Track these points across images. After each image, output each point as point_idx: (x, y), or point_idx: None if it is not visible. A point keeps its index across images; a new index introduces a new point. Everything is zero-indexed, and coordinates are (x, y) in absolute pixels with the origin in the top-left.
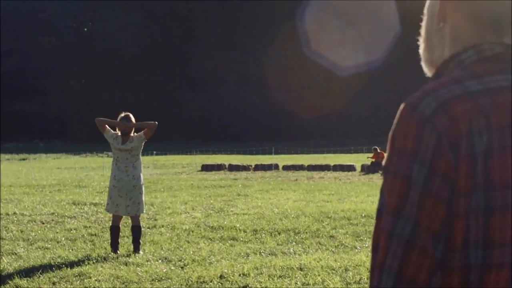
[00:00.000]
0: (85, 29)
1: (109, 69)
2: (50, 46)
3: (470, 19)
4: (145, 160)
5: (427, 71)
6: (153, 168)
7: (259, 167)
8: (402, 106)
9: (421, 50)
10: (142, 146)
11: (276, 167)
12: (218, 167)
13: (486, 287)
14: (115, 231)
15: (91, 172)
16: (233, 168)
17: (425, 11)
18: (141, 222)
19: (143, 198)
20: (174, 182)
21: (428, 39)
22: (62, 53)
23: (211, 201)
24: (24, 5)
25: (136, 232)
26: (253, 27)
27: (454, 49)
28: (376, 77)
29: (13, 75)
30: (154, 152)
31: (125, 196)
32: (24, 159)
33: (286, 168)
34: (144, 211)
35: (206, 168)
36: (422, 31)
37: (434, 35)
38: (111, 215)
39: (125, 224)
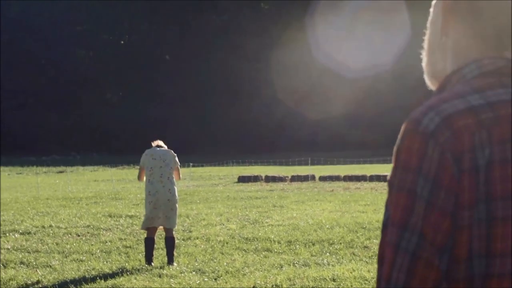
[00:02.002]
0: (122, 42)
1: (145, 82)
2: (87, 59)
3: (472, 34)
4: (181, 172)
5: (430, 84)
6: (190, 180)
7: (295, 178)
8: (406, 121)
9: (424, 64)
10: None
11: (312, 178)
12: (255, 179)
13: None
14: (149, 243)
15: (128, 184)
16: (269, 179)
17: (428, 24)
18: (176, 234)
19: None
20: (210, 194)
21: (431, 52)
22: (99, 66)
23: (247, 213)
24: (61, 19)
25: (170, 243)
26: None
27: (456, 63)
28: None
29: (50, 88)
30: (191, 164)
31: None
32: (61, 172)
33: (323, 178)
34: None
35: (242, 179)
36: (425, 44)
37: (436, 49)
38: None
39: (160, 236)
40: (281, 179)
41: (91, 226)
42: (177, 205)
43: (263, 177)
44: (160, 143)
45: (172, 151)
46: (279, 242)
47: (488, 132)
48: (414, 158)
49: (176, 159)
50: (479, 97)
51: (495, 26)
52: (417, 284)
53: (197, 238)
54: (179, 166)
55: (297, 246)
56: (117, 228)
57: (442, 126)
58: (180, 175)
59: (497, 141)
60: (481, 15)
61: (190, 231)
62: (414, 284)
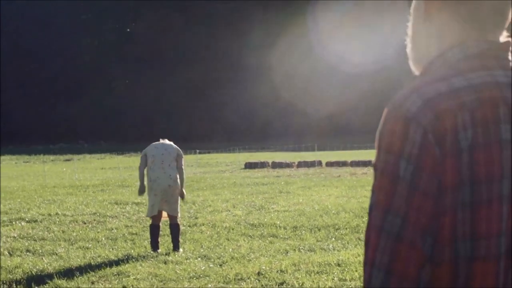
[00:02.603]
0: (128, 30)
1: (151, 69)
2: (93, 48)
3: (455, 18)
4: (188, 158)
5: (415, 70)
6: (197, 167)
7: (302, 164)
8: (388, 104)
9: (408, 50)
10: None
11: (319, 163)
12: (262, 165)
13: (473, 279)
14: (154, 229)
15: (135, 171)
16: (276, 165)
17: (411, 11)
18: (182, 220)
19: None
20: (217, 181)
21: (415, 38)
22: (104, 54)
23: (253, 199)
24: (67, 7)
25: (175, 230)
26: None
27: (440, 47)
28: None
29: (57, 77)
30: (197, 150)
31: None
32: (68, 160)
33: (330, 164)
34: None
35: (249, 166)
36: (409, 30)
37: (420, 35)
38: None
39: (166, 223)
40: (287, 165)
41: (98, 214)
42: (179, 192)
43: (270, 163)
44: (167, 141)
45: (177, 148)
46: (284, 228)
47: (470, 114)
48: (396, 141)
49: (180, 151)
50: (462, 80)
51: (478, 10)
52: (400, 267)
53: (203, 225)
54: (183, 157)
55: (303, 231)
56: (123, 215)
57: (424, 108)
58: (183, 168)
59: (480, 123)
60: (463, 0)
61: (196, 218)
62: (398, 267)
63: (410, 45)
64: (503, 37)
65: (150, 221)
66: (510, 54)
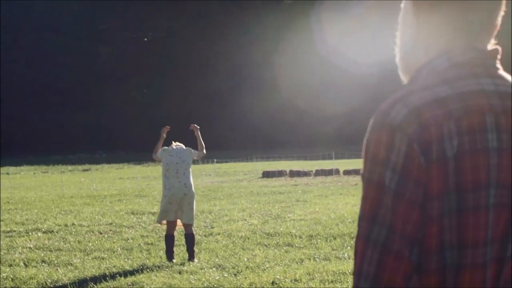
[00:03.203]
0: (145, 39)
1: (170, 78)
2: (111, 57)
3: (442, 27)
4: (206, 168)
5: (404, 79)
6: (215, 176)
7: (319, 173)
8: (374, 113)
9: (397, 59)
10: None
11: (337, 172)
12: (279, 174)
13: (460, 287)
14: (169, 239)
15: (153, 181)
16: (294, 174)
17: (399, 20)
18: (197, 230)
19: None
20: (234, 190)
21: (403, 47)
22: (123, 64)
23: (269, 208)
24: (85, 16)
25: (190, 240)
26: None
27: (427, 56)
28: None
29: (75, 86)
30: (215, 160)
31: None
32: (86, 170)
33: (347, 172)
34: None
35: (267, 174)
36: (397, 40)
37: (408, 43)
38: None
39: (182, 233)
40: (305, 174)
41: (114, 224)
42: (194, 200)
43: (288, 172)
44: (179, 143)
45: (189, 148)
46: (300, 237)
47: (456, 123)
48: (382, 150)
49: (192, 150)
50: (448, 88)
51: (465, 18)
52: (387, 277)
53: (219, 234)
54: (197, 151)
55: (318, 240)
56: (140, 225)
57: (409, 117)
58: (203, 151)
59: (466, 131)
60: (451, 8)
61: (212, 227)
62: (385, 277)
63: (399, 55)
64: (491, 45)
65: (165, 231)
66: (497, 62)
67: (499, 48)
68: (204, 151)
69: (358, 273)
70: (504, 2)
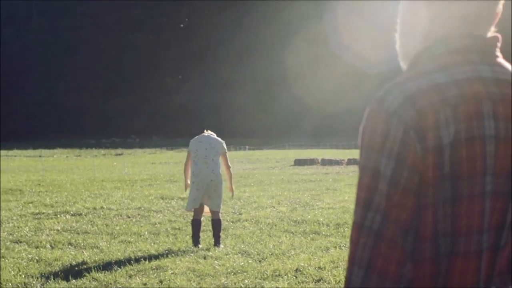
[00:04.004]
0: (181, 26)
1: (204, 66)
2: (146, 43)
3: (441, 14)
4: (238, 154)
5: (403, 66)
6: (247, 163)
7: (352, 161)
8: (371, 100)
9: (397, 46)
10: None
11: None
12: (311, 162)
13: (453, 275)
14: (196, 224)
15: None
16: (325, 162)
17: (400, 7)
18: (225, 216)
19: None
20: (265, 177)
21: (403, 35)
22: (158, 50)
23: (299, 195)
24: (119, 3)
25: (216, 226)
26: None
27: (426, 43)
28: None
29: (110, 72)
30: (247, 147)
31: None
32: (119, 155)
33: None
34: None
35: (298, 162)
36: (398, 27)
37: (408, 31)
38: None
39: (209, 218)
40: (337, 162)
41: (142, 208)
42: (221, 187)
43: (319, 160)
44: (211, 132)
45: (220, 139)
46: (327, 225)
47: (453, 109)
48: (378, 137)
49: (224, 145)
50: (445, 75)
51: (464, 5)
52: (380, 264)
53: (246, 220)
54: (226, 153)
55: (346, 229)
56: (168, 210)
57: (405, 104)
58: (229, 164)
59: (462, 118)
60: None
61: (240, 214)
62: (378, 264)
63: (399, 42)
64: (491, 33)
65: (193, 215)
66: (497, 49)
67: (499, 36)
68: (230, 167)
69: (352, 260)
70: None
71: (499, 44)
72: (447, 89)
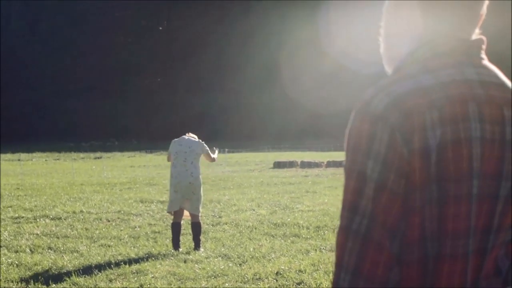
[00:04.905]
0: (160, 28)
1: (185, 69)
2: (126, 45)
3: (426, 16)
4: (218, 157)
5: (388, 69)
6: (226, 166)
7: (331, 164)
8: (357, 103)
9: (381, 50)
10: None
11: None
12: (290, 164)
13: (439, 278)
14: (175, 228)
15: (164, 170)
16: (305, 165)
17: (383, 10)
18: (205, 219)
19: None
20: (245, 179)
21: (388, 38)
22: (137, 52)
23: (278, 198)
24: (101, 5)
25: (196, 229)
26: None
27: (411, 45)
28: None
29: (88, 75)
30: (226, 150)
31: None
32: (98, 158)
33: None
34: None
35: (278, 165)
36: (382, 30)
37: (392, 34)
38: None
39: (188, 222)
40: (316, 165)
41: (122, 212)
42: (200, 190)
43: (299, 163)
44: (192, 135)
45: (200, 141)
46: (307, 228)
47: (439, 112)
48: (364, 139)
49: (204, 146)
50: (431, 77)
51: (449, 8)
52: (368, 267)
53: (226, 224)
54: (209, 151)
55: (326, 231)
56: (147, 213)
57: (391, 106)
58: (213, 156)
59: (449, 121)
60: (435, 1)
61: (220, 217)
62: (365, 267)
63: (383, 45)
64: (476, 35)
65: (172, 218)
66: (482, 51)
67: (484, 38)
68: (215, 159)
69: (338, 264)
70: None
71: (484, 47)
72: (433, 91)
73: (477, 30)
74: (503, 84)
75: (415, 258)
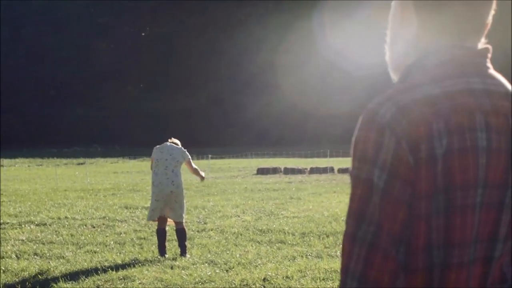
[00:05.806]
0: (142, 34)
1: (167, 73)
2: (108, 52)
3: (431, 25)
4: (201, 163)
5: (394, 78)
6: (209, 172)
7: (314, 170)
8: (364, 111)
9: (387, 57)
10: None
11: (331, 170)
12: (274, 171)
13: (446, 286)
14: (160, 234)
15: (147, 176)
16: (288, 171)
17: (389, 18)
18: (190, 225)
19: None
20: (228, 186)
21: (393, 45)
22: (120, 59)
23: (263, 204)
24: (82, 11)
25: (181, 235)
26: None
27: (417, 54)
28: None
29: (72, 80)
30: (209, 156)
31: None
32: (81, 164)
33: (342, 171)
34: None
35: (261, 171)
36: (387, 38)
37: (398, 42)
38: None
39: (173, 228)
40: (300, 171)
41: (107, 218)
42: (182, 198)
43: (282, 169)
44: (175, 140)
45: (182, 148)
46: (293, 234)
47: (445, 121)
48: (371, 148)
49: (186, 153)
50: (436, 87)
51: (454, 17)
52: (374, 275)
53: (212, 230)
54: (190, 159)
55: (311, 238)
56: (132, 219)
57: (398, 115)
58: (194, 167)
59: (455, 130)
60: (441, 6)
61: (205, 223)
62: (371, 275)
63: (388, 53)
64: (481, 44)
65: (157, 224)
66: (487, 60)
67: (490, 47)
68: (200, 173)
69: (345, 271)
70: (494, 2)
71: (489, 55)
72: (439, 101)
73: (482, 39)
74: (509, 94)
75: (421, 266)
